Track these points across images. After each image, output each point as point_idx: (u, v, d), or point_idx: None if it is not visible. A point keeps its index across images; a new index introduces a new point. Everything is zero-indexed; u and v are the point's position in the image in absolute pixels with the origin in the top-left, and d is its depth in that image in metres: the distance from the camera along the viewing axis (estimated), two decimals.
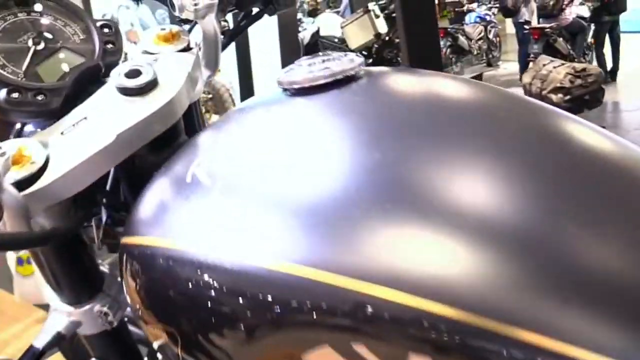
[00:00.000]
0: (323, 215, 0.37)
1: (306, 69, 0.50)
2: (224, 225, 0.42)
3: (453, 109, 0.45)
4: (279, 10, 0.79)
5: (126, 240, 0.50)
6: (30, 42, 0.61)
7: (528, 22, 6.98)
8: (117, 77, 0.57)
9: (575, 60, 6.02)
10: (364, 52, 6.56)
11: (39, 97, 0.57)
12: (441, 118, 0.43)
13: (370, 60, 6.59)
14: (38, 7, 0.63)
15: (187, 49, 0.65)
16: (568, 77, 4.09)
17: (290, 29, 5.35)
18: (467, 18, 8.73)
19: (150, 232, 0.47)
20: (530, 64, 5.87)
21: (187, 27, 0.74)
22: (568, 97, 4.04)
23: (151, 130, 0.57)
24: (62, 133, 0.55)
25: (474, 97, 0.48)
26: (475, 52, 8.32)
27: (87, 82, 0.61)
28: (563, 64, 4.37)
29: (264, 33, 5.15)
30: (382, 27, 6.35)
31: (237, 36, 0.81)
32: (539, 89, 4.20)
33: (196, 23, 0.68)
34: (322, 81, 0.48)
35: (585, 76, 4.10)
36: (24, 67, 0.59)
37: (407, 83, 0.52)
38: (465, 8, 8.98)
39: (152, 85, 0.57)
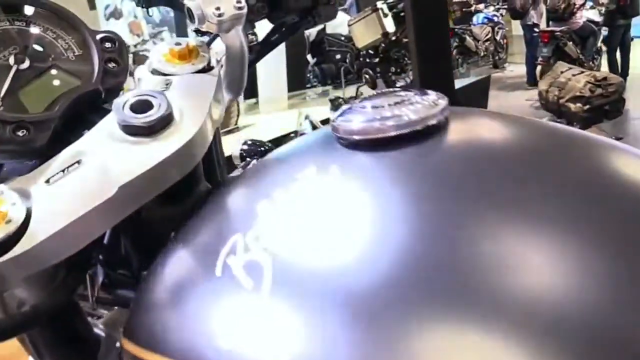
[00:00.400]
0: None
1: (371, 113, 0.39)
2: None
3: (574, 183, 0.35)
4: (319, 22, 0.66)
5: (128, 346, 0.40)
6: (11, 60, 0.49)
7: (536, 25, 6.88)
8: (120, 110, 0.46)
9: (585, 65, 5.92)
10: (370, 51, 6.45)
11: (20, 133, 0.46)
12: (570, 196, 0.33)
13: (377, 60, 6.49)
14: (29, 10, 0.52)
15: (207, 68, 0.54)
16: (588, 86, 3.94)
17: None
18: (474, 19, 8.62)
19: (159, 348, 0.37)
20: (539, 68, 5.76)
21: (204, 38, 0.61)
22: (587, 106, 3.90)
23: (164, 180, 0.46)
24: (48, 181, 0.45)
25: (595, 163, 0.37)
26: (482, 54, 8.22)
27: (83, 112, 0.50)
28: (582, 72, 4.22)
29: (268, 27, 4.97)
30: (390, 26, 6.23)
31: (267, 53, 0.69)
32: (556, 97, 4.07)
33: (217, 35, 0.57)
34: (393, 133, 0.37)
35: (606, 85, 3.95)
36: (2, 92, 0.48)
37: (509, 140, 0.40)
38: (473, 8, 8.87)
39: (165, 122, 0.46)
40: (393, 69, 6.46)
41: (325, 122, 3.48)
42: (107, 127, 0.47)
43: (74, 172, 0.45)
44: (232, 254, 0.37)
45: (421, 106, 0.38)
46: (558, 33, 6.15)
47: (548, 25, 6.44)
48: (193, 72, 0.52)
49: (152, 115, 0.46)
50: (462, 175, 0.35)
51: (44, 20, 0.52)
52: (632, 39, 6.79)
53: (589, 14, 6.39)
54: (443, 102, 0.39)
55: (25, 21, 0.51)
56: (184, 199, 0.50)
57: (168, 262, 0.43)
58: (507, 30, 8.85)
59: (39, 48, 0.51)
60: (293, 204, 0.38)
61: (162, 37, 6.48)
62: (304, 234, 0.36)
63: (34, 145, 0.47)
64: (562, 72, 4.20)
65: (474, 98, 5.69)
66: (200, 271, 0.39)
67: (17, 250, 0.41)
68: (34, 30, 0.51)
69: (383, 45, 6.50)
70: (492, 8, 8.81)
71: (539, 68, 6.42)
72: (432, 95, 0.40)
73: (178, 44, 0.54)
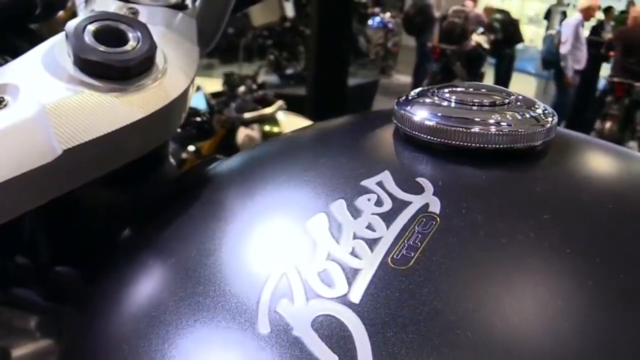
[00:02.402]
0: None
1: (455, 111, 0.31)
2: None
3: None
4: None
5: None
6: None
7: (430, 40, 7.08)
8: (78, 36, 0.32)
9: None
10: (264, 33, 6.29)
11: None
12: None
13: (270, 42, 6.33)
14: None
15: (180, 5, 0.40)
16: None
17: None
18: (370, 21, 8.68)
19: None
20: (425, 82, 5.94)
21: None
22: None
23: (130, 149, 0.33)
24: None
25: None
26: (372, 57, 8.29)
27: (7, 27, 0.38)
28: None
29: None
30: (290, 11, 6.09)
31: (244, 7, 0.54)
32: None
33: None
34: (482, 145, 0.30)
35: None
36: None
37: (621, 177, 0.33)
38: (369, 10, 8.94)
39: (144, 66, 0.33)
40: (285, 55, 6.29)
41: (217, 95, 3.23)
42: (50, 57, 0.33)
43: None
44: (286, 299, 0.25)
45: (524, 118, 0.31)
46: (449, 52, 6.31)
47: (440, 42, 6.60)
48: (164, 6, 0.40)
49: (130, 51, 0.32)
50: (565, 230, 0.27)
51: None
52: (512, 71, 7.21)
53: (479, 39, 6.62)
54: (552, 119, 0.32)
55: None
56: (141, 180, 0.40)
57: (133, 279, 0.31)
58: (398, 40, 9.01)
59: None
60: (374, 226, 0.28)
61: None
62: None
63: None
64: None
65: (360, 100, 5.71)
66: (217, 317, 0.26)
67: None
68: None
69: (278, 28, 6.34)
70: (388, 14, 8.91)
71: (425, 81, 6.60)
72: (538, 106, 0.33)
73: None
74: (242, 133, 3.07)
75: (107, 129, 0.31)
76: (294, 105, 3.60)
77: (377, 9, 9.20)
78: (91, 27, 0.33)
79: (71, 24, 0.33)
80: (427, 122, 0.31)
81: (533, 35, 10.24)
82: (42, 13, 0.39)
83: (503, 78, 7.11)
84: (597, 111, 5.45)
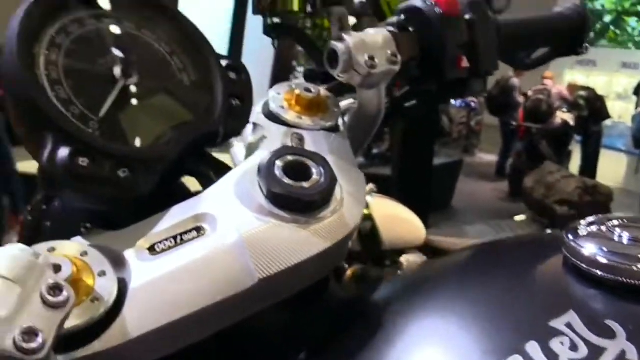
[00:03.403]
0: None
1: (627, 248, 0.31)
2: None
3: None
4: (466, 95, 0.56)
5: None
6: (117, 70, 0.37)
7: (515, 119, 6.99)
8: (270, 172, 0.35)
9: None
10: None
11: (121, 172, 0.34)
12: None
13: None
14: (142, 10, 0.40)
15: (335, 127, 0.44)
16: (578, 191, 3.89)
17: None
18: (452, 100, 8.72)
19: None
20: (510, 161, 5.78)
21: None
22: (573, 211, 3.85)
23: (311, 275, 0.36)
24: (152, 248, 0.33)
25: None
26: (454, 136, 8.28)
27: (191, 154, 0.39)
28: (572, 176, 4.21)
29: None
30: None
31: (397, 119, 0.58)
32: (543, 196, 4.01)
33: (349, 89, 0.48)
34: None
35: (596, 194, 3.92)
36: (102, 112, 0.36)
37: None
38: None
39: (327, 197, 0.35)
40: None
41: None
42: (241, 188, 0.36)
43: (194, 243, 0.33)
44: None
45: None
46: (534, 130, 6.21)
47: (524, 121, 6.52)
48: (322, 129, 0.44)
49: (314, 186, 0.35)
50: None
51: (159, 29, 0.41)
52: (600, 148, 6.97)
53: (564, 117, 6.50)
54: None
55: (135, 24, 0.40)
56: (310, 303, 0.40)
57: None
58: (481, 118, 8.98)
59: (149, 62, 0.39)
60: None
61: None
62: None
63: (135, 191, 0.35)
64: (550, 172, 4.16)
65: (444, 179, 5.65)
66: None
67: (98, 346, 0.29)
68: (147, 38, 0.40)
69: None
70: None
71: (510, 160, 6.49)
72: None
73: (308, 90, 0.45)
74: None
75: (298, 258, 0.34)
76: (380, 185, 3.63)
77: None
78: (279, 163, 0.36)
79: (263, 159, 0.36)
80: (600, 259, 0.31)
81: (622, 111, 9.95)
82: (219, 141, 0.42)
83: (591, 156, 6.90)
84: None
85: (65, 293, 0.27)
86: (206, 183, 0.40)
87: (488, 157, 8.14)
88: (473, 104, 8.65)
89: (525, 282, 0.35)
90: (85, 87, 0.36)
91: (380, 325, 0.35)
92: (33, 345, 0.26)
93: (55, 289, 0.27)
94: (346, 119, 0.49)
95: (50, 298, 0.27)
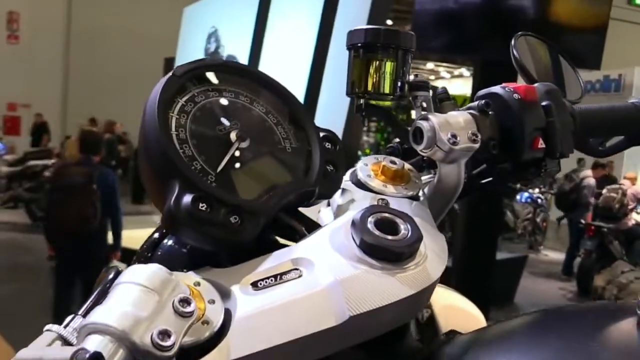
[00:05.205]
0: None
1: None
2: None
3: None
4: (538, 177, 0.57)
5: None
6: (233, 135, 0.44)
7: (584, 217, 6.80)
8: (364, 226, 0.40)
9: None
10: None
11: (232, 219, 0.40)
12: None
13: None
14: (255, 88, 0.48)
15: (416, 196, 0.49)
16: None
17: None
18: (518, 196, 8.61)
19: None
20: (577, 260, 5.55)
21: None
22: None
23: (394, 319, 0.40)
24: (256, 284, 0.38)
25: None
26: (519, 232, 8.12)
27: (289, 210, 0.45)
28: None
29: None
30: None
31: (470, 195, 0.59)
32: (614, 296, 3.87)
33: (429, 163, 0.53)
34: None
35: None
36: (219, 168, 0.43)
37: None
38: (518, 185, 8.89)
39: (413, 250, 0.40)
40: None
41: None
42: (337, 238, 0.41)
43: (292, 282, 0.38)
44: None
45: None
46: (605, 229, 6.03)
47: (594, 220, 6.34)
48: (404, 197, 0.49)
49: (402, 239, 0.40)
50: None
51: (268, 102, 0.48)
52: None
53: (638, 218, 6.29)
54: None
55: (250, 98, 0.48)
56: (388, 348, 0.43)
57: None
58: (546, 215, 8.80)
59: (259, 130, 0.47)
60: None
61: None
62: None
63: (243, 236, 0.40)
64: (623, 272, 4.02)
65: (507, 274, 5.49)
66: None
67: None
68: (257, 110, 0.48)
69: None
70: (537, 190, 8.82)
71: (578, 260, 6.27)
72: None
73: (393, 162, 0.50)
74: None
75: (385, 301, 0.38)
76: (442, 276, 3.57)
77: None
78: (371, 218, 0.41)
79: (356, 215, 0.41)
80: None
81: None
82: (312, 201, 0.47)
83: None
84: None
85: (192, 305, 0.34)
86: (298, 237, 0.45)
87: (553, 255, 7.91)
88: (540, 200, 8.52)
89: (600, 342, 0.36)
90: (206, 147, 0.43)
91: None
92: (166, 343, 0.31)
93: (184, 301, 0.34)
94: (425, 190, 0.53)
95: (180, 308, 0.33)
